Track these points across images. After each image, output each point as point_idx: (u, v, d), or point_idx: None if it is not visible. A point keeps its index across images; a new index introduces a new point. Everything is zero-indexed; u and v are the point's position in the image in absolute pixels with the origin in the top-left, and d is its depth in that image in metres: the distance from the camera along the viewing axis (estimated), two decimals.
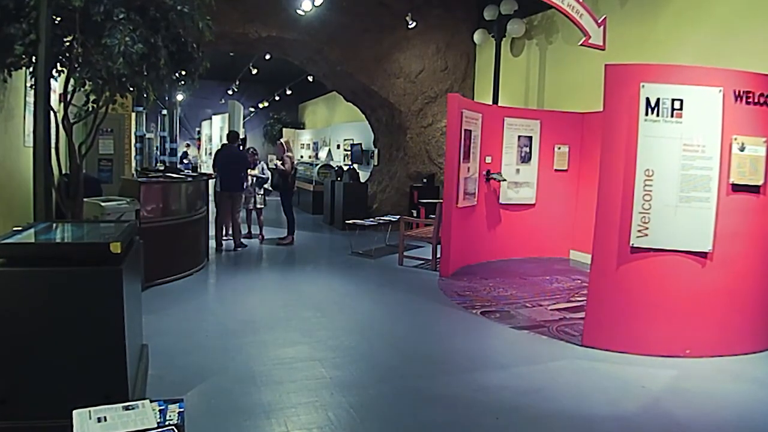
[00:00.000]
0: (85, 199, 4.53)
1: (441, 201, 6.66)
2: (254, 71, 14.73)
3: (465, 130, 6.27)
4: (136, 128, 11.38)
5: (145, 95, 4.35)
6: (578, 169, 7.35)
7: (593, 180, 4.32)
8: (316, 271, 6.62)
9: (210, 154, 14.96)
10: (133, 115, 9.77)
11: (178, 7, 3.90)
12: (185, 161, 15.83)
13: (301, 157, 18.54)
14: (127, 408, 1.89)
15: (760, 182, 3.81)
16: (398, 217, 7.82)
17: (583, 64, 7.12)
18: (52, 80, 3.60)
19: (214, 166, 7.79)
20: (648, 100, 3.78)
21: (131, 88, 4.15)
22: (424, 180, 9.66)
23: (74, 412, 1.83)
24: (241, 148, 10.62)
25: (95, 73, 3.82)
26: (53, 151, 3.74)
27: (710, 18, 5.74)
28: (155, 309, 4.57)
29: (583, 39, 6.03)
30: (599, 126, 4.14)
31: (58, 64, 3.91)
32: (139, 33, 3.60)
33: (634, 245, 3.84)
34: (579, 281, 6.09)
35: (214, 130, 14.17)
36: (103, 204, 4.84)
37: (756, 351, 3.95)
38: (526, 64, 8.62)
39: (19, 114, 4.95)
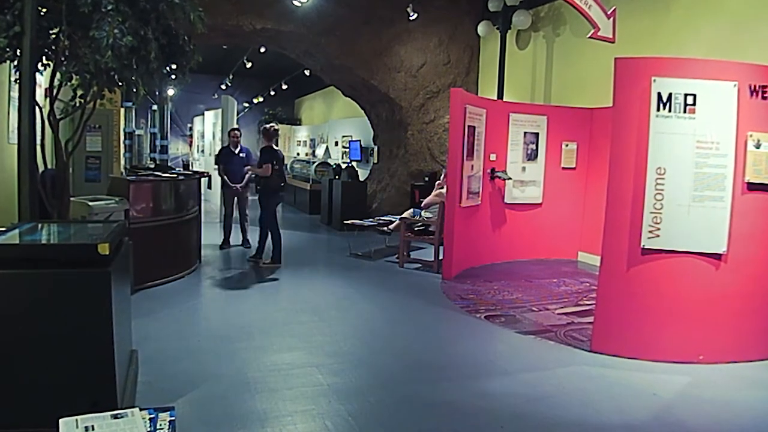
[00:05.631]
0: (72, 199, 4.53)
1: (443, 200, 6.66)
2: (248, 65, 14.74)
3: (468, 126, 6.27)
4: (125, 124, 11.35)
5: (134, 90, 4.36)
6: (587, 167, 7.35)
7: (602, 178, 4.32)
8: (314, 273, 6.62)
9: (202, 151, 14.95)
10: (122, 110, 9.75)
11: None
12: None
13: (298, 154, 18.55)
14: (115, 416, 1.89)
15: None
16: (399, 217, 7.81)
17: (592, 58, 7.12)
18: (37, 74, 3.61)
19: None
20: (660, 95, 3.78)
21: (120, 83, 4.16)
22: (426, 178, 9.66)
23: (61, 420, 1.83)
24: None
25: (82, 66, 3.83)
26: (39, 148, 3.75)
27: (724, 9, 5.74)
28: (145, 313, 4.57)
29: (592, 31, 6.04)
30: (609, 122, 4.14)
31: (44, 58, 3.91)
32: (129, 25, 3.61)
33: (645, 246, 3.84)
34: (587, 284, 6.09)
35: (207, 127, 14.15)
36: (90, 203, 4.84)
37: None
38: (533, 57, 8.62)
39: (2, 110, 4.95)
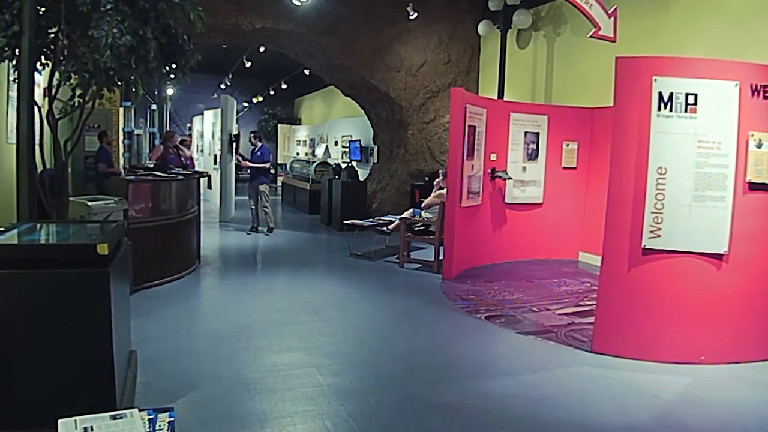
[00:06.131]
0: (71, 198, 4.53)
1: (444, 200, 6.66)
2: (248, 64, 14.74)
3: (469, 125, 6.27)
4: (124, 124, 11.36)
5: (133, 89, 4.36)
6: (588, 166, 7.35)
7: (603, 178, 4.32)
8: (313, 273, 6.62)
9: (202, 151, 14.96)
10: (121, 110, 9.77)
11: None
12: None
13: (297, 154, 18.55)
14: (114, 417, 1.89)
15: None
16: (399, 217, 7.82)
17: (593, 57, 7.12)
18: (36, 74, 3.61)
19: None
20: (660, 95, 3.78)
21: (119, 82, 4.16)
22: (426, 178, 9.67)
23: (59, 421, 1.83)
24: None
25: (81, 66, 3.83)
26: (37, 148, 3.75)
27: (726, 8, 5.74)
28: (144, 313, 4.57)
29: (593, 30, 6.03)
30: (609, 121, 4.14)
31: (43, 57, 3.92)
32: (128, 24, 3.61)
33: (646, 246, 3.84)
34: (588, 284, 6.09)
35: (206, 126, 14.16)
36: (89, 203, 4.84)
37: None
38: (533, 56, 8.62)
39: (1, 109, 4.96)
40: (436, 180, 7.37)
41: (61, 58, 3.91)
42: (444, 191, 6.57)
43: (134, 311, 3.60)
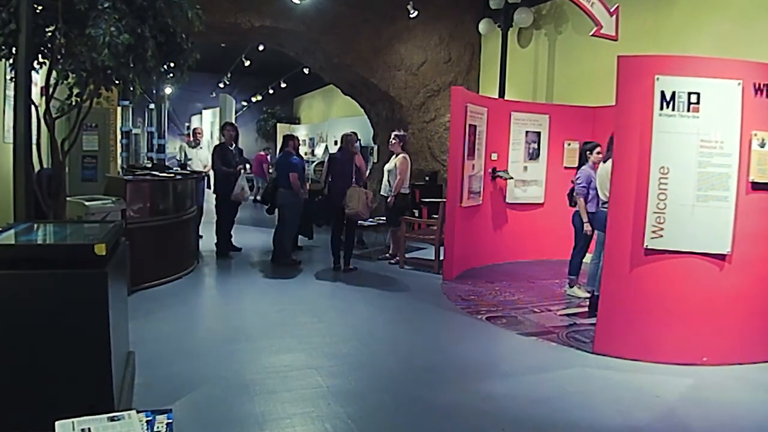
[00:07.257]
0: (68, 198, 4.53)
1: (444, 200, 6.66)
2: (247, 63, 14.73)
3: (470, 125, 6.28)
4: (121, 123, 11.36)
5: (131, 88, 4.35)
6: None
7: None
8: (313, 274, 6.62)
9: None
10: (119, 109, 9.77)
11: None
12: None
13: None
14: (112, 419, 1.89)
15: None
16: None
17: (595, 56, 7.12)
18: (33, 72, 3.60)
19: None
20: (663, 94, 3.78)
21: (117, 81, 4.15)
22: (427, 178, 9.67)
23: (57, 423, 1.83)
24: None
25: (79, 65, 3.82)
26: (35, 147, 3.74)
27: (729, 6, 5.74)
28: (142, 314, 4.57)
29: (595, 29, 6.04)
30: (611, 121, 4.14)
31: (40, 56, 3.91)
32: (125, 23, 3.60)
33: (649, 247, 3.84)
34: None
35: (205, 125, 14.17)
36: (87, 203, 4.84)
37: None
38: (534, 55, 8.62)
39: None
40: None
41: (59, 57, 3.91)
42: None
43: (132, 312, 3.60)
